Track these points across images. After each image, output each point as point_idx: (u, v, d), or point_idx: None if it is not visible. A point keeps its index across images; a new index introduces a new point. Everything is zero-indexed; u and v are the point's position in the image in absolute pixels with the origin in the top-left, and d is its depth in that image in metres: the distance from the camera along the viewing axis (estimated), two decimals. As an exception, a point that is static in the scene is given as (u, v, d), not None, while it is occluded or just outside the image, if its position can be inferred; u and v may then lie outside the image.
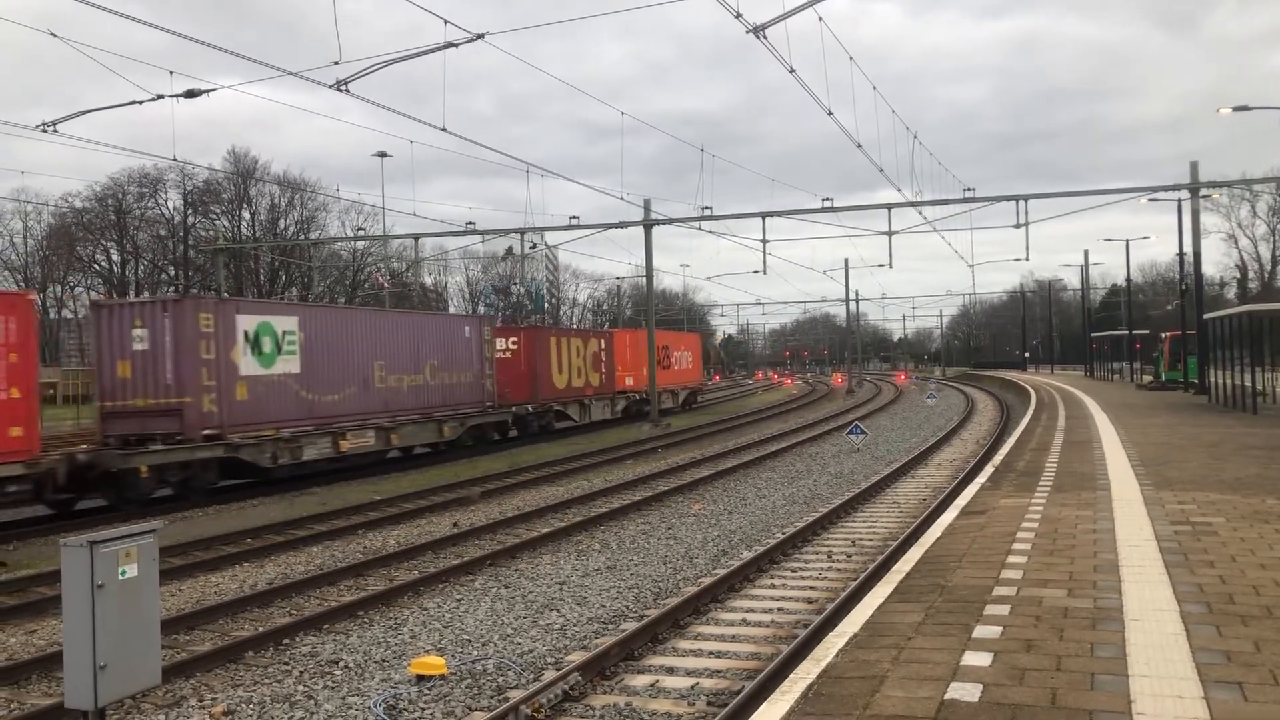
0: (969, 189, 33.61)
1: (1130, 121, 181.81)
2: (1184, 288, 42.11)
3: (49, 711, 7.84)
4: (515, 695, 7.91)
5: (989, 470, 15.67)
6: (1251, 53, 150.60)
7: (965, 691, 5.28)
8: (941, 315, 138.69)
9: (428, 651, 9.37)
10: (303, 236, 67.90)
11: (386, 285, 61.35)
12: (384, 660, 9.30)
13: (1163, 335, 51.30)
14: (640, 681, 8.34)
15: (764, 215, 36.11)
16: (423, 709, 7.89)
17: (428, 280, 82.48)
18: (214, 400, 20.34)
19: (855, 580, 11.32)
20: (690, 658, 8.98)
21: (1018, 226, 33.87)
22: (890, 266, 46.81)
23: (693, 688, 8.10)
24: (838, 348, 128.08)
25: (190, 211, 69.29)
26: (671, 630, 9.85)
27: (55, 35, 19.82)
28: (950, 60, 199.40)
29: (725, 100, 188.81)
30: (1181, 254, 42.78)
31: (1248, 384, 26.69)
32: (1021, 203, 33.60)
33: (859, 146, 26.67)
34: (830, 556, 13.28)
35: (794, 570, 12.56)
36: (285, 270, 69.50)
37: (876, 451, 26.85)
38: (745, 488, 20.43)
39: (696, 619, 10.30)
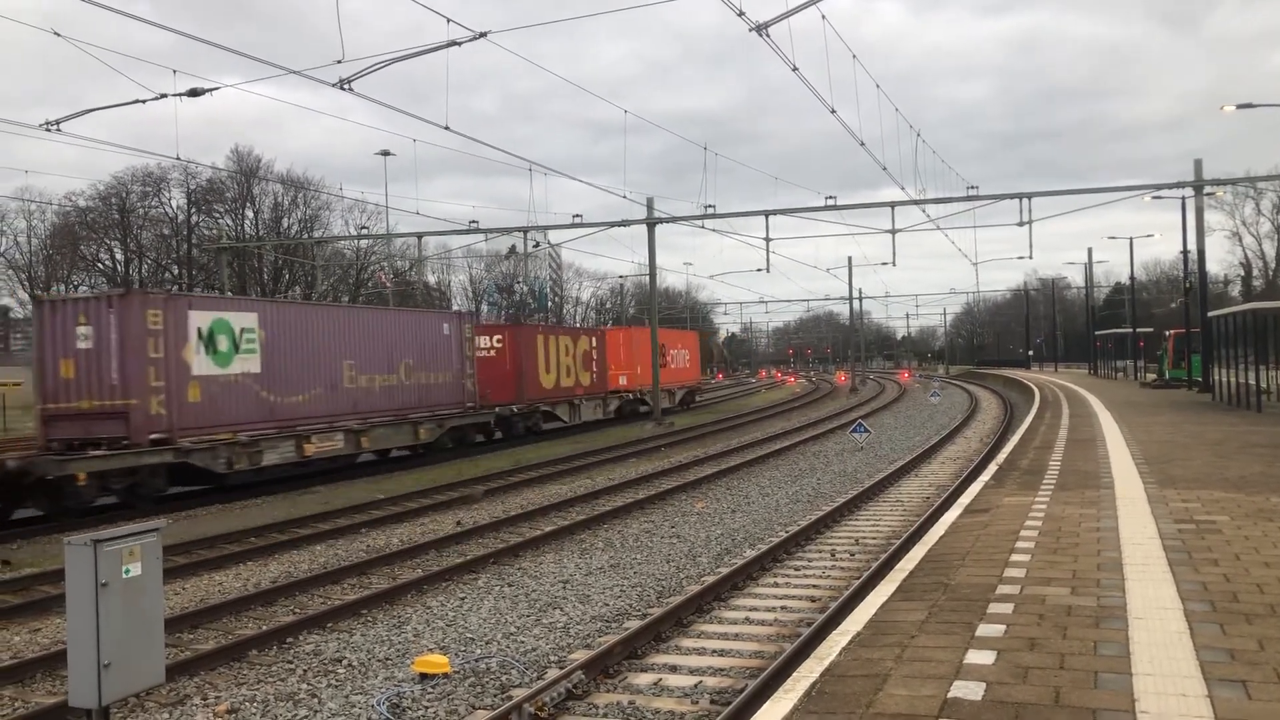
0: (972, 187, 33.63)
1: (1133, 120, 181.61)
2: (1188, 285, 42.06)
3: (53, 710, 7.85)
4: (519, 694, 7.91)
5: (992, 468, 15.66)
6: (1254, 51, 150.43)
7: (968, 690, 5.28)
8: (945, 313, 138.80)
9: (431, 650, 9.38)
10: (306, 235, 67.95)
11: (389, 284, 61.38)
12: (387, 659, 9.31)
13: (1167, 333, 51.24)
14: (644, 680, 8.34)
15: (767, 213, 36.11)
16: (426, 707, 7.90)
17: (431, 279, 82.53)
18: (163, 402, 19.21)
19: (858, 578, 11.32)
20: (693, 656, 8.98)
21: (1021, 224, 33.88)
22: (894, 265, 47.05)
23: (696, 686, 8.10)
24: (841, 346, 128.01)
25: (194, 210, 69.40)
26: (675, 628, 9.85)
27: (59, 34, 19.86)
28: (952, 58, 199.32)
29: (728, 99, 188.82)
30: (1185, 252, 42.71)
31: (1252, 382, 26.65)
32: (1025, 201, 33.60)
33: (862, 145, 26.67)
34: (833, 555, 13.27)
35: (797, 569, 12.56)
36: (289, 269, 69.57)
37: (880, 450, 26.83)
38: (748, 486, 20.42)
39: (700, 617, 10.30)
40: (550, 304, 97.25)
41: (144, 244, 69.51)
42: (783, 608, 10.59)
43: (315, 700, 8.21)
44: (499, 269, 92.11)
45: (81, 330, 19.12)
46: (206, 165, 70.87)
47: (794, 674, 5.84)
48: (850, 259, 71.76)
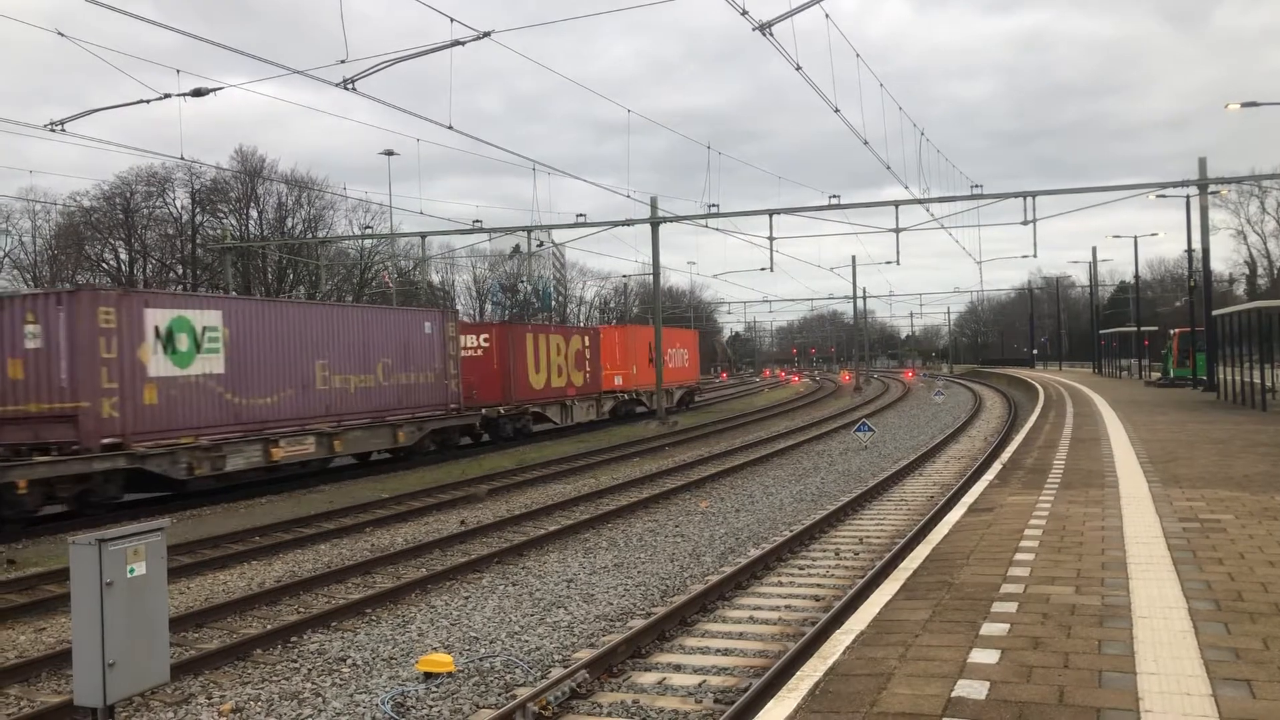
0: (976, 186, 33.64)
1: (1137, 118, 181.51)
2: (1192, 284, 42.00)
3: (59, 709, 7.87)
4: (523, 693, 7.92)
5: (996, 467, 15.64)
6: (1259, 48, 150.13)
7: (972, 689, 5.28)
8: (949, 312, 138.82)
9: (435, 649, 9.39)
10: (310, 235, 67.98)
11: (393, 284, 61.43)
12: (392, 658, 9.32)
13: (1171, 332, 51.14)
14: (648, 679, 8.34)
15: (771, 213, 36.12)
16: (430, 706, 7.90)
17: (435, 279, 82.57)
18: (116, 405, 18.23)
19: (863, 578, 11.31)
20: (698, 655, 8.98)
21: (1025, 223, 33.86)
22: (898, 264, 47.03)
23: (700, 685, 8.10)
24: (845, 345, 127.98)
25: (198, 210, 69.43)
26: (679, 628, 9.85)
27: (63, 35, 19.90)
28: (956, 57, 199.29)
29: (732, 98, 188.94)
30: (1190, 250, 42.67)
31: (1256, 381, 26.60)
32: (1029, 199, 33.59)
33: (866, 143, 26.67)
34: (838, 554, 13.27)
35: (801, 568, 12.56)
36: (293, 269, 69.63)
37: (884, 449, 26.82)
38: (752, 485, 20.42)
39: (704, 616, 10.30)
40: (554, 303, 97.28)
41: (149, 244, 69.55)
42: (787, 607, 10.59)
43: (320, 699, 8.22)
44: (503, 269, 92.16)
45: (30, 329, 18.26)
46: (211, 165, 70.89)
47: (798, 673, 5.84)
48: (854, 258, 71.89)
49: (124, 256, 69.12)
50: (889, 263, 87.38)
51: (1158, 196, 39.54)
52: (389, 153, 52.78)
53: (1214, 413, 25.95)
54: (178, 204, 69.54)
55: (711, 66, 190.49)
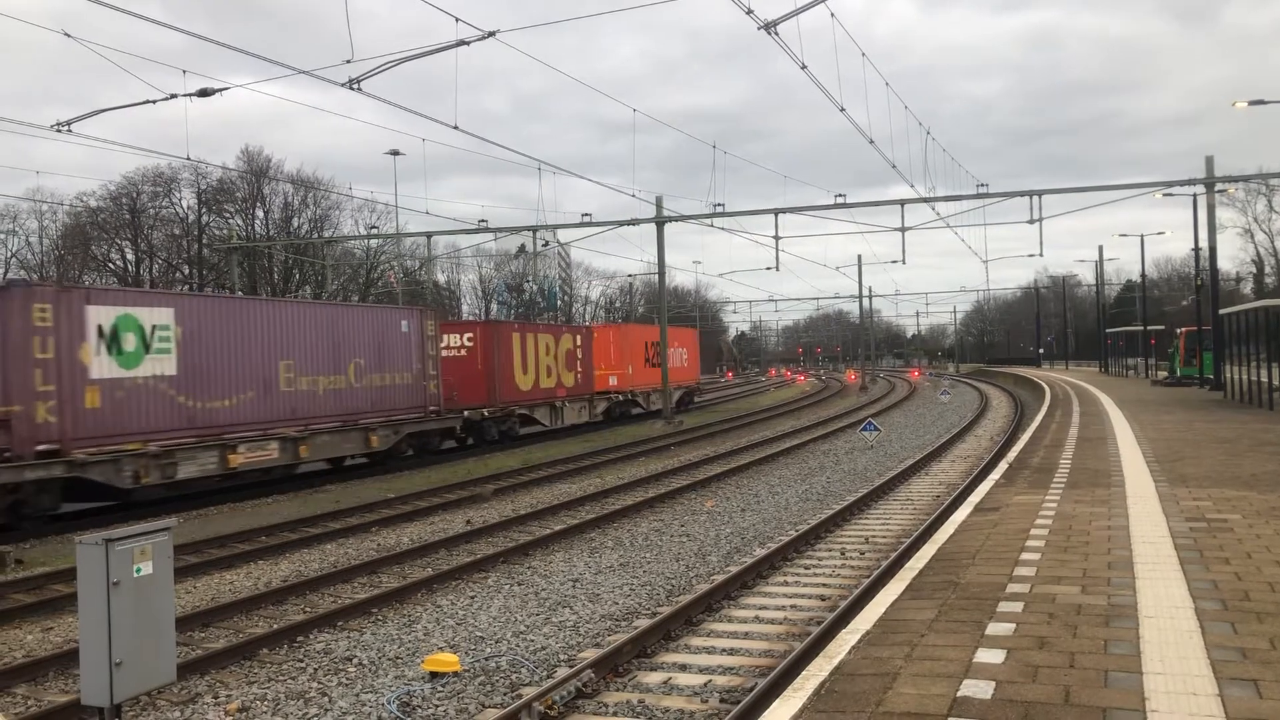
0: (982, 185, 33.58)
1: (1145, 116, 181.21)
2: (1199, 283, 41.86)
3: (66, 708, 7.89)
4: (528, 692, 7.92)
5: (1003, 467, 15.61)
6: (1269, 46, 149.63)
7: (978, 689, 5.27)
8: (955, 311, 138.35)
9: (441, 649, 9.40)
10: (316, 235, 68.09)
11: (398, 284, 61.49)
12: (398, 657, 9.33)
13: (1178, 331, 51.03)
14: (653, 679, 8.34)
15: (776, 212, 36.12)
16: (436, 706, 7.91)
17: (441, 278, 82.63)
18: (53, 409, 17.13)
19: (868, 577, 11.30)
20: (703, 655, 8.99)
21: (1032, 222, 33.80)
22: (903, 263, 46.84)
23: (705, 685, 8.10)
24: (851, 344, 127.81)
25: (204, 210, 69.58)
26: (684, 627, 9.85)
27: (69, 35, 19.94)
28: (963, 55, 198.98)
29: (737, 97, 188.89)
30: (1197, 249, 42.51)
31: (1264, 380, 26.52)
32: (1035, 198, 33.55)
33: (871, 142, 26.62)
34: (843, 554, 13.26)
35: (807, 567, 12.55)
36: (299, 269, 69.74)
37: (890, 448, 26.79)
38: (758, 485, 20.41)
39: (709, 616, 10.30)
40: (560, 303, 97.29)
41: (155, 244, 69.70)
42: (792, 606, 10.59)
43: (326, 699, 8.24)
44: (508, 268, 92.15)
45: None
46: (217, 165, 71.08)
47: (803, 672, 5.83)
48: (860, 257, 71.89)
49: (130, 257, 69.27)
50: (895, 262, 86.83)
51: (1165, 195, 39.43)
52: (394, 152, 52.76)
53: (1221, 412, 25.88)
54: (184, 204, 69.69)
55: (717, 66, 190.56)
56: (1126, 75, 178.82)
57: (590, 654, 8.95)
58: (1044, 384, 45.50)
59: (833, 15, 20.77)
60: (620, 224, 38.88)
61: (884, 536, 14.33)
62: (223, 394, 20.47)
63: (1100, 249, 73.15)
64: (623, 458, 26.77)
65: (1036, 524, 10.10)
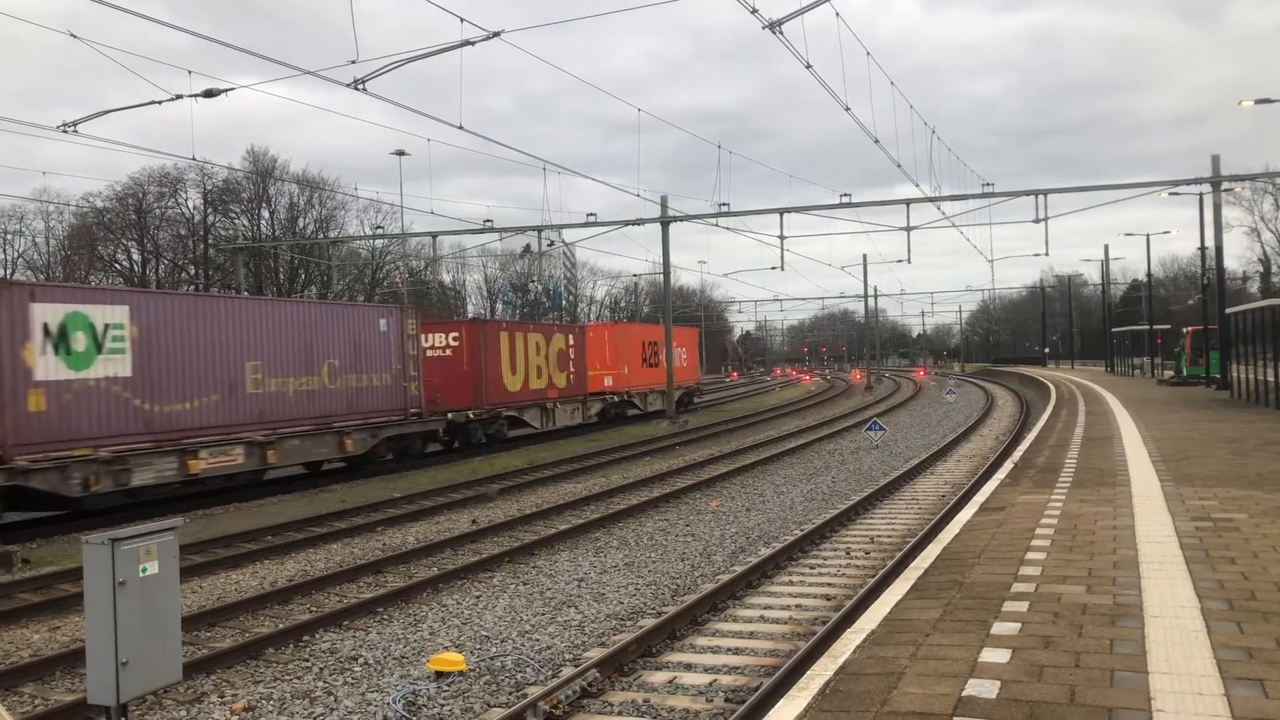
0: (988, 184, 33.54)
1: (1150, 115, 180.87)
2: (1205, 282, 41.78)
3: (72, 707, 7.92)
4: (533, 692, 7.93)
5: (1008, 466, 15.59)
6: (1273, 44, 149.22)
7: (983, 688, 5.27)
8: (960, 311, 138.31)
9: (446, 648, 9.41)
10: (321, 235, 68.19)
11: (403, 284, 61.55)
12: (403, 657, 9.34)
13: (1184, 330, 50.91)
14: (658, 678, 8.35)
15: (782, 211, 36.10)
16: (441, 705, 7.92)
17: (446, 278, 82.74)
18: None
19: (873, 577, 11.30)
20: (708, 654, 8.99)
21: (1037, 221, 33.79)
22: (909, 262, 46.81)
23: (710, 684, 8.11)
24: (856, 344, 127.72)
25: (210, 211, 69.70)
26: (690, 627, 9.85)
27: (75, 36, 19.99)
28: (967, 55, 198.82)
29: (742, 96, 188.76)
30: (1203, 248, 42.42)
31: (1270, 379, 26.45)
32: (1041, 198, 33.52)
33: (876, 142, 26.59)
34: (848, 553, 13.25)
35: (812, 567, 12.55)
36: (305, 269, 69.84)
37: (895, 448, 26.77)
38: (763, 484, 20.41)
39: (715, 616, 10.30)
40: (565, 303, 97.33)
41: (160, 244, 69.85)
42: (797, 606, 10.59)
43: (331, 698, 8.25)
44: (514, 268, 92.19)
45: None
46: (222, 166, 71.28)
47: (808, 672, 5.84)
48: (865, 257, 71.77)
49: (136, 257, 69.44)
50: (900, 261, 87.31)
51: (1170, 194, 39.36)
52: (400, 153, 52.82)
53: (1227, 411, 25.82)
54: (190, 204, 69.84)
55: (721, 65, 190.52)
56: (1129, 75, 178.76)
57: (595, 653, 8.96)
58: (1049, 383, 45.44)
59: (838, 14, 20.76)
60: (625, 224, 38.90)
61: (889, 536, 14.32)
62: (183, 396, 19.47)
63: (1106, 248, 73.29)
64: (627, 458, 26.78)
65: (1042, 523, 10.08)
